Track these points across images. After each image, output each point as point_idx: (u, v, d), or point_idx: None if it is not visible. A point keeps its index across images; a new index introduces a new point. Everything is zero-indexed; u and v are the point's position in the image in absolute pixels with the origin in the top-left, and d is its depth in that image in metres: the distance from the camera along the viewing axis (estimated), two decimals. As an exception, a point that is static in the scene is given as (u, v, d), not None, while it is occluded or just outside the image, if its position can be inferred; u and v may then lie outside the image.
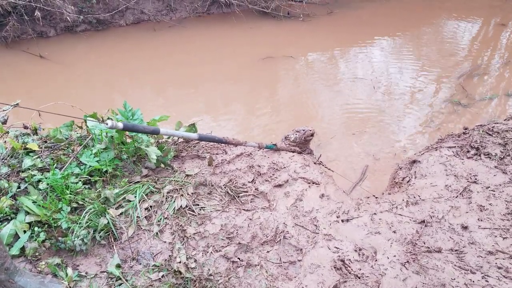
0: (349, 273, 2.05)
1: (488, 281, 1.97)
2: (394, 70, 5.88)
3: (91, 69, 5.87)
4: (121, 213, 2.21)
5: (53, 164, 2.32)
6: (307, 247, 2.20)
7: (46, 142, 2.58)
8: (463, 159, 2.86)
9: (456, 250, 2.15)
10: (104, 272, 1.95)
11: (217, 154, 2.80)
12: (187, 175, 2.53)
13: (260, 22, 7.75)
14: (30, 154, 2.43)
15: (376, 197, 2.73)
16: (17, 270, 1.73)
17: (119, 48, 6.58)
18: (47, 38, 6.67)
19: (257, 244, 2.20)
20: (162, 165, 2.55)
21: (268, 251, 2.16)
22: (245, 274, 2.03)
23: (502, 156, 2.82)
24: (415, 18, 8.21)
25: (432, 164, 2.89)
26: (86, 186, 2.29)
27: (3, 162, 2.32)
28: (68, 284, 1.85)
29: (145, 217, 2.22)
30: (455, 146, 3.03)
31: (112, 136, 2.46)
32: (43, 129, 2.77)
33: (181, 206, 2.29)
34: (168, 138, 2.85)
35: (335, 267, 2.08)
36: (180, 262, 2.00)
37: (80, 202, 2.17)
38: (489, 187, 2.57)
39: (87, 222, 2.07)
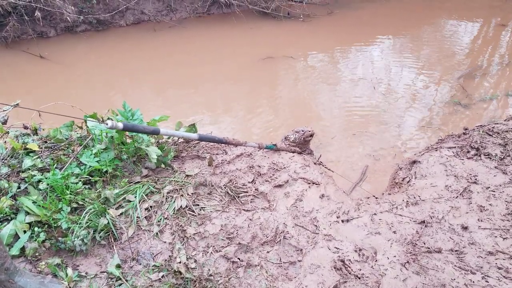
0: (349, 273, 2.05)
1: (488, 282, 1.97)
2: (394, 70, 5.88)
3: (91, 69, 5.87)
4: (121, 213, 2.21)
5: (53, 164, 2.32)
6: (307, 247, 2.20)
7: (46, 142, 2.58)
8: (463, 159, 2.86)
9: (456, 251, 2.15)
10: (104, 272, 1.95)
11: (217, 154, 2.80)
12: (187, 175, 2.53)
13: (260, 23, 7.75)
14: (30, 154, 2.43)
15: (376, 198, 2.73)
16: (17, 270, 1.73)
17: (119, 49, 6.58)
18: (47, 38, 6.68)
19: (257, 244, 2.20)
20: (162, 165, 2.55)
21: (268, 252, 2.16)
22: (245, 274, 2.03)
23: (502, 157, 2.82)
24: (415, 18, 8.22)
25: (432, 164, 2.89)
26: (86, 186, 2.29)
27: (3, 162, 2.32)
28: (68, 284, 1.84)
29: (145, 217, 2.22)
30: (455, 147, 3.03)
31: (112, 136, 2.46)
32: (43, 129, 2.77)
33: (181, 206, 2.29)
34: (168, 138, 2.85)
35: (335, 268, 2.08)
36: (180, 262, 2.00)
37: (80, 202, 2.17)
38: (489, 187, 2.57)
39: (87, 222, 2.07)
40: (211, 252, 2.09)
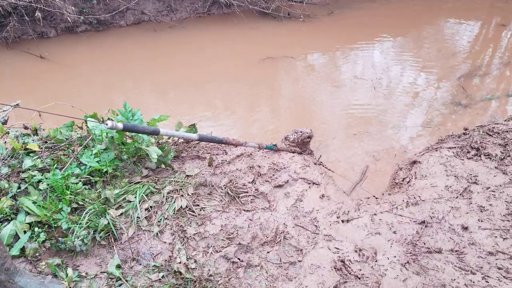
0: (349, 273, 2.05)
1: (488, 282, 1.97)
2: (395, 71, 5.88)
3: (91, 69, 5.87)
4: (121, 214, 2.21)
5: (54, 165, 2.32)
6: (307, 247, 2.20)
7: (46, 142, 2.58)
8: (463, 159, 2.86)
9: (456, 251, 2.15)
10: (104, 272, 1.95)
11: (217, 154, 2.80)
12: (187, 176, 2.53)
13: (260, 23, 7.75)
14: (31, 154, 2.44)
15: (376, 198, 2.73)
16: (17, 271, 1.73)
17: (120, 49, 6.59)
18: (48, 39, 6.68)
19: (257, 244, 2.20)
20: (163, 166, 2.56)
21: (268, 252, 2.16)
22: (245, 274, 2.03)
23: (502, 157, 2.82)
24: (416, 18, 8.22)
25: (432, 164, 2.89)
26: (87, 187, 2.30)
27: (4, 162, 2.32)
28: (68, 285, 1.85)
29: (145, 217, 2.22)
30: (455, 147, 3.03)
31: (112, 137, 2.46)
32: (44, 130, 2.77)
33: (181, 207, 2.29)
34: (168, 138, 2.85)
35: (335, 268, 2.08)
36: (180, 262, 2.00)
37: (80, 203, 2.17)
38: (489, 187, 2.57)
39: (87, 222, 2.07)
40: (211, 252, 2.09)
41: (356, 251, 2.19)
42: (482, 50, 6.65)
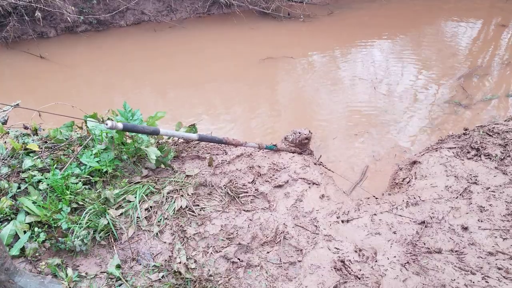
0: (349, 273, 2.05)
1: (488, 282, 1.97)
2: (395, 71, 5.88)
3: (91, 69, 5.87)
4: (121, 214, 2.21)
5: (53, 165, 2.32)
6: (307, 247, 2.20)
7: (46, 142, 2.58)
8: (463, 160, 2.86)
9: (456, 251, 2.15)
10: (104, 272, 1.95)
11: (217, 154, 2.80)
12: (187, 176, 2.53)
13: (260, 23, 7.75)
14: (30, 154, 2.44)
15: (376, 198, 2.73)
16: (17, 271, 1.73)
17: (120, 49, 6.59)
18: (48, 39, 6.68)
19: (257, 244, 2.20)
20: (162, 166, 2.56)
21: (268, 252, 2.16)
22: (245, 274, 2.03)
23: (502, 157, 2.82)
24: (416, 19, 8.21)
25: (432, 165, 2.89)
26: (86, 187, 2.30)
27: (4, 162, 2.32)
28: (68, 285, 1.85)
29: (145, 217, 2.22)
30: (455, 147, 3.03)
31: (112, 137, 2.46)
32: (43, 130, 2.77)
33: (181, 207, 2.29)
34: (168, 138, 2.85)
35: (335, 268, 2.08)
36: (180, 262, 2.00)
37: (80, 203, 2.17)
38: (489, 188, 2.57)
39: (87, 222, 2.07)
40: (211, 253, 2.09)
41: (356, 251, 2.19)
42: (482, 50, 6.66)
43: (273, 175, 2.66)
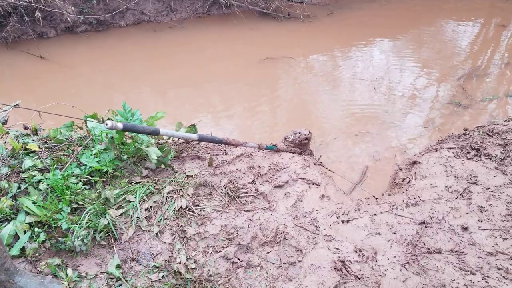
0: (349, 274, 2.05)
1: (488, 282, 1.97)
2: (395, 71, 5.88)
3: (91, 69, 5.87)
4: (121, 214, 2.21)
5: (53, 165, 2.32)
6: (307, 248, 2.20)
7: (46, 142, 2.58)
8: (463, 160, 2.86)
9: (456, 251, 2.15)
10: (104, 272, 1.95)
11: (217, 154, 2.80)
12: (187, 176, 2.53)
13: (260, 23, 7.75)
14: (30, 154, 2.44)
15: (376, 198, 2.73)
16: (17, 271, 1.73)
17: (119, 49, 6.59)
18: (48, 39, 6.68)
19: (257, 244, 2.20)
20: (163, 166, 2.56)
21: (268, 252, 2.16)
22: (245, 274, 2.03)
23: (502, 157, 2.82)
24: (416, 19, 8.22)
25: (432, 165, 2.89)
26: (86, 187, 2.30)
27: (4, 162, 2.32)
28: (68, 285, 1.85)
29: (145, 217, 2.22)
30: (455, 147, 3.03)
31: (112, 137, 2.46)
32: (43, 130, 2.77)
33: (181, 207, 2.29)
34: (168, 138, 2.85)
35: (335, 268, 2.08)
36: (180, 262, 2.00)
37: (80, 203, 2.17)
38: (489, 188, 2.57)
39: (87, 222, 2.07)
40: (211, 253, 2.09)
41: (356, 251, 2.19)
42: (482, 50, 6.66)
43: (273, 175, 2.66)
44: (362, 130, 4.32)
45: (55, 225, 2.03)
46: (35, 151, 2.46)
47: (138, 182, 2.40)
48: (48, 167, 2.34)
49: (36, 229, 2.01)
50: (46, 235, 2.01)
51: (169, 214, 2.25)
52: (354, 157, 3.87)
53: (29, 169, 2.29)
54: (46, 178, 2.22)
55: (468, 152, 2.93)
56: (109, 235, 2.10)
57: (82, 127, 2.76)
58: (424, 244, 2.21)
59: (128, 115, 2.40)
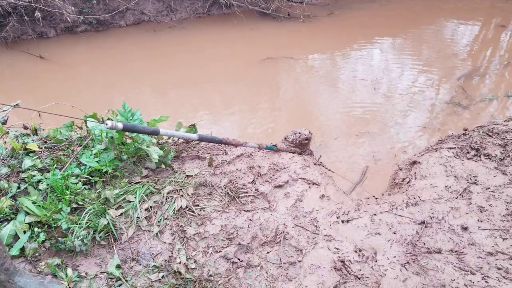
0: (349, 273, 2.05)
1: (488, 282, 1.97)
2: (395, 71, 5.88)
3: (91, 69, 5.87)
4: (121, 214, 2.21)
5: (53, 165, 2.32)
6: (307, 247, 2.20)
7: (46, 142, 2.58)
8: (463, 160, 2.87)
9: (456, 251, 2.15)
10: (104, 272, 1.95)
11: (217, 154, 2.80)
12: (187, 176, 2.53)
13: (260, 23, 7.75)
14: (30, 154, 2.43)
15: (376, 198, 2.73)
16: (17, 271, 1.73)
17: (119, 49, 6.59)
18: (47, 39, 6.68)
19: (257, 244, 2.19)
20: (163, 166, 2.56)
21: (268, 252, 2.16)
22: (245, 274, 2.03)
23: (502, 157, 2.82)
24: (416, 19, 8.22)
25: (432, 165, 2.89)
26: (86, 187, 2.30)
27: (3, 162, 2.32)
28: (68, 285, 1.84)
29: (145, 217, 2.22)
30: (455, 147, 3.03)
31: (112, 137, 2.46)
32: (43, 130, 2.77)
33: (181, 207, 2.29)
34: (168, 138, 2.85)
35: (335, 268, 2.08)
36: (180, 262, 2.00)
37: (80, 203, 2.17)
38: (489, 188, 2.57)
39: (87, 222, 2.07)
40: (211, 253, 2.09)
41: (356, 251, 2.19)
42: (482, 50, 6.66)
43: (273, 175, 2.66)
44: (362, 130, 4.32)
45: (55, 225, 2.03)
46: (35, 151, 2.45)
47: (138, 182, 2.40)
48: (48, 167, 2.34)
49: (35, 229, 2.01)
50: (46, 235, 2.01)
51: (169, 214, 2.25)
52: (354, 157, 3.87)
53: (29, 169, 2.29)
54: (46, 178, 2.22)
55: (468, 152, 2.93)
56: (109, 235, 2.10)
57: (82, 127, 2.76)
58: (424, 244, 2.21)
59: (128, 115, 2.40)
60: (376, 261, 2.12)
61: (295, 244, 2.21)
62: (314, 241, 2.24)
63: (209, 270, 2.00)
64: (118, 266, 1.97)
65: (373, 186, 3.41)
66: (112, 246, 2.07)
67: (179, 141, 2.91)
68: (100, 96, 5.15)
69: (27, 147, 2.42)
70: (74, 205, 2.16)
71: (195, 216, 2.27)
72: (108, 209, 2.17)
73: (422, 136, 4.23)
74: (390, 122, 4.49)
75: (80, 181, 2.29)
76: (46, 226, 2.05)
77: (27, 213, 2.04)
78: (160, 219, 2.22)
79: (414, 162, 3.03)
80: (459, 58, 6.31)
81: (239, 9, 7.73)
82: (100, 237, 2.07)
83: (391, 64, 6.13)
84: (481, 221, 2.33)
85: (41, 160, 2.38)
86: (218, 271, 2.01)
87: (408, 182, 2.83)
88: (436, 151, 3.04)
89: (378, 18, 8.15)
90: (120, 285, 1.90)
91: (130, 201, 2.27)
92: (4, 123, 2.65)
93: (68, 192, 2.18)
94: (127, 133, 2.50)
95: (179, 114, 4.73)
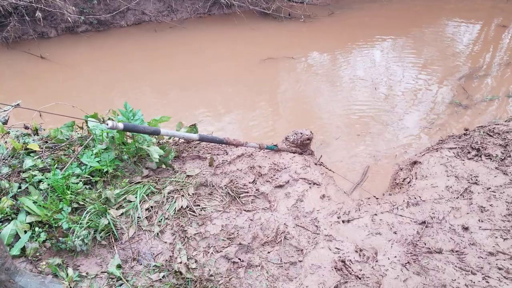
0: (350, 273, 2.05)
1: (488, 282, 1.97)
2: (396, 71, 5.88)
3: (92, 69, 5.87)
4: (121, 214, 2.21)
5: (54, 165, 2.33)
6: (308, 247, 2.20)
7: (47, 142, 2.58)
8: (463, 160, 2.86)
9: (456, 251, 2.15)
10: (104, 272, 1.95)
11: (218, 154, 2.80)
12: (188, 176, 2.53)
13: (261, 23, 7.75)
14: (31, 154, 2.44)
15: (377, 198, 2.73)
16: (18, 270, 1.73)
17: (120, 49, 6.59)
18: (48, 39, 6.69)
19: (258, 244, 2.19)
20: (163, 166, 2.56)
21: (269, 252, 2.16)
22: (246, 274, 2.03)
23: (503, 157, 2.81)
24: (416, 19, 8.22)
25: (433, 165, 2.89)
26: (87, 187, 2.30)
27: (4, 162, 2.33)
28: (69, 285, 1.85)
29: (146, 217, 2.22)
30: (455, 147, 3.02)
31: (113, 137, 2.47)
32: (44, 130, 2.77)
33: (181, 207, 2.29)
34: (169, 138, 2.85)
35: (335, 268, 2.08)
36: (180, 262, 2.00)
37: (81, 203, 2.17)
38: (489, 188, 2.57)
39: (87, 222, 2.07)
40: (212, 253, 2.09)
41: (356, 251, 2.19)
42: (482, 51, 6.66)
43: (273, 175, 2.66)
44: (363, 130, 4.32)
45: (56, 225, 2.03)
46: (35, 151, 2.46)
47: (139, 182, 2.40)
48: (48, 167, 2.35)
49: (36, 229, 2.01)
50: (47, 234, 2.01)
51: (169, 214, 2.25)
52: (355, 157, 3.87)
53: (30, 169, 2.30)
54: (47, 178, 2.22)
55: (469, 152, 2.93)
56: (109, 235, 2.11)
57: (83, 127, 2.76)
58: (425, 244, 2.21)
59: (129, 115, 2.41)
60: (376, 261, 2.12)
61: (295, 244, 2.21)
62: (314, 241, 2.24)
63: (209, 270, 2.00)
64: (119, 266, 1.97)
65: (373, 186, 3.41)
66: (113, 246, 2.07)
67: (180, 141, 2.91)
68: (101, 96, 5.15)
69: (28, 147, 2.42)
70: (75, 205, 2.16)
71: (196, 216, 2.27)
72: (109, 209, 2.18)
73: (423, 136, 4.23)
74: (391, 122, 4.49)
75: (81, 181, 2.29)
76: (47, 226, 2.05)
77: (28, 213, 2.04)
78: (161, 219, 2.22)
79: (415, 162, 3.03)
80: (460, 58, 6.31)
81: (240, 9, 7.74)
82: (101, 237, 2.07)
83: (392, 64, 6.12)
84: (482, 221, 2.33)
85: (42, 160, 2.39)
86: (219, 271, 2.01)
87: (408, 182, 2.83)
88: (437, 151, 3.04)
89: (379, 18, 8.15)
90: (120, 285, 1.90)
91: (131, 201, 2.27)
92: (5, 123, 2.65)
93: (69, 192, 2.18)
94: (128, 133, 2.50)
95: (180, 114, 4.72)
